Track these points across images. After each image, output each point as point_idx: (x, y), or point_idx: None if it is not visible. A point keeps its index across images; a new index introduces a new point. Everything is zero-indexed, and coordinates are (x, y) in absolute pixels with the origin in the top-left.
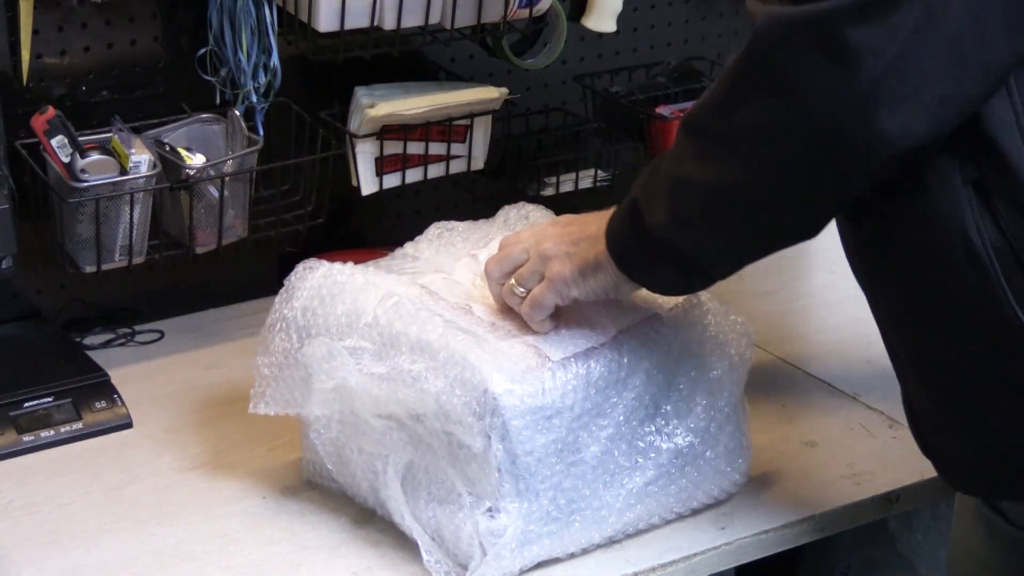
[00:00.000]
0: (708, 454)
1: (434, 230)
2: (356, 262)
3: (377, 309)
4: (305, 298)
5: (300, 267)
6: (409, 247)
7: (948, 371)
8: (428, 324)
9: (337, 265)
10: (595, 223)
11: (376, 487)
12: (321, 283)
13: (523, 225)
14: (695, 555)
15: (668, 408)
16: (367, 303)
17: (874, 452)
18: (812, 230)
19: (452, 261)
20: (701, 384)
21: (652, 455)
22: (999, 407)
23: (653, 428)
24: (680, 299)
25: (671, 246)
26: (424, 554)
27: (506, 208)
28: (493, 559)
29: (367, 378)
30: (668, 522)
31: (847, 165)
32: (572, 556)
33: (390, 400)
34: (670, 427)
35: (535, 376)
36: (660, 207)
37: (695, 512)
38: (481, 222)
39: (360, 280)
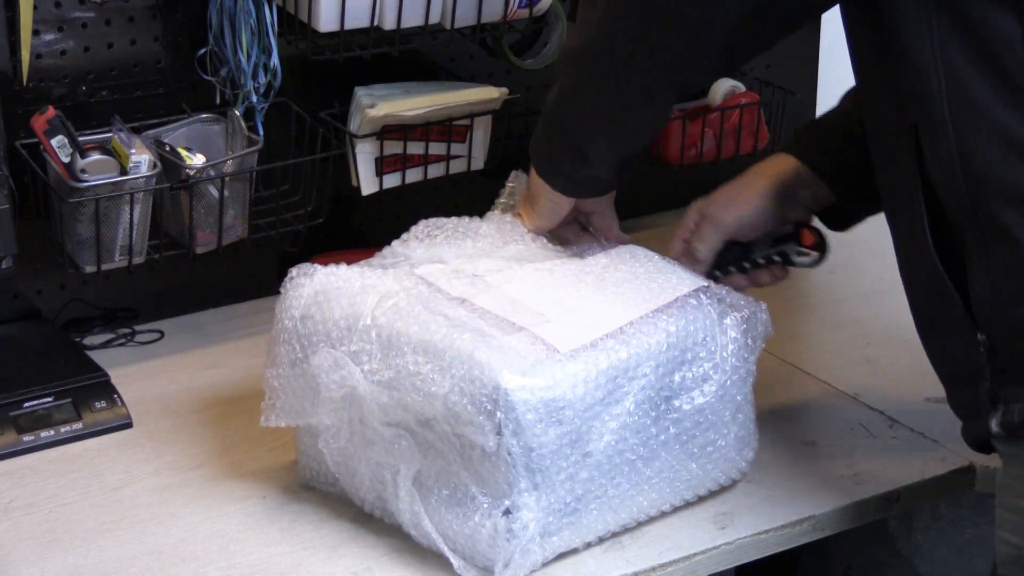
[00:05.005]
0: (720, 442)
1: (422, 228)
2: (354, 262)
3: (375, 311)
4: (303, 306)
5: (294, 271)
6: (398, 245)
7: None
8: (431, 324)
9: (331, 268)
10: None
11: (384, 497)
12: (318, 289)
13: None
14: (695, 555)
15: (680, 396)
16: (364, 305)
17: (874, 452)
18: (666, 88)
19: (450, 254)
20: (713, 371)
21: (665, 442)
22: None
23: (665, 416)
24: (689, 287)
25: (557, 122)
26: (453, 561)
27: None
28: (520, 555)
29: (375, 386)
30: (676, 509)
31: None
32: (574, 553)
33: (397, 407)
34: (682, 415)
35: (545, 369)
36: (553, 88)
37: (701, 499)
38: (466, 219)
39: (357, 283)
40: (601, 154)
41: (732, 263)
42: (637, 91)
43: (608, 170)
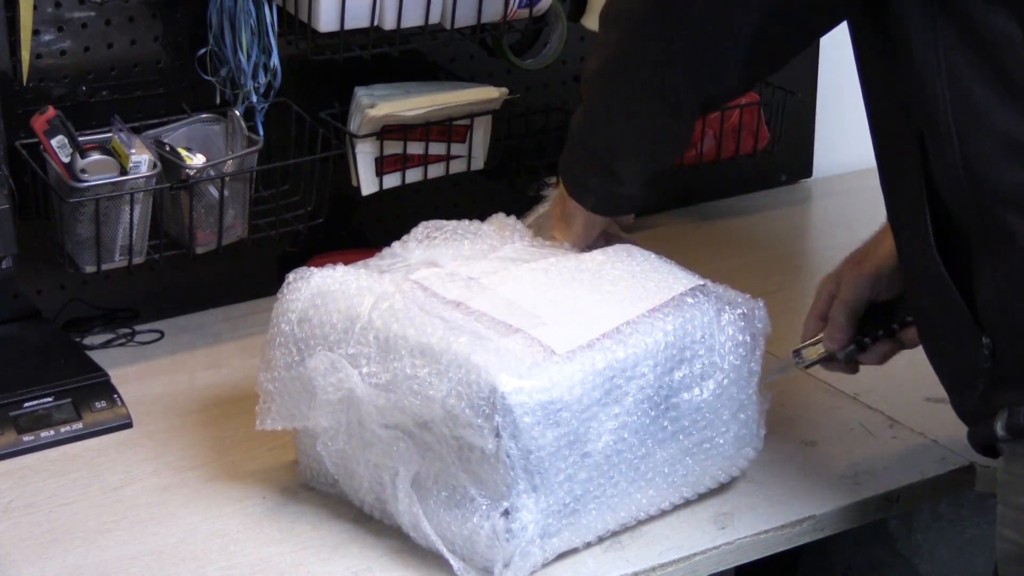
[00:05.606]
0: (718, 440)
1: (422, 230)
2: (353, 263)
3: (372, 313)
4: (300, 310)
5: (291, 276)
6: (397, 247)
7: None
8: (427, 327)
9: (328, 271)
10: None
11: (383, 499)
12: (315, 292)
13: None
14: (695, 555)
15: (679, 394)
16: (361, 308)
17: (874, 452)
18: (678, 101)
19: (446, 256)
20: (712, 369)
21: (662, 440)
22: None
23: (664, 414)
24: (685, 285)
25: (584, 143)
26: (453, 563)
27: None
28: (519, 556)
29: (373, 389)
30: (676, 507)
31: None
32: (574, 553)
33: (395, 409)
34: (680, 412)
35: (542, 371)
36: (578, 110)
37: (701, 499)
38: (466, 222)
39: (353, 285)
40: (630, 172)
41: (879, 325)
42: (660, 106)
43: (638, 187)
